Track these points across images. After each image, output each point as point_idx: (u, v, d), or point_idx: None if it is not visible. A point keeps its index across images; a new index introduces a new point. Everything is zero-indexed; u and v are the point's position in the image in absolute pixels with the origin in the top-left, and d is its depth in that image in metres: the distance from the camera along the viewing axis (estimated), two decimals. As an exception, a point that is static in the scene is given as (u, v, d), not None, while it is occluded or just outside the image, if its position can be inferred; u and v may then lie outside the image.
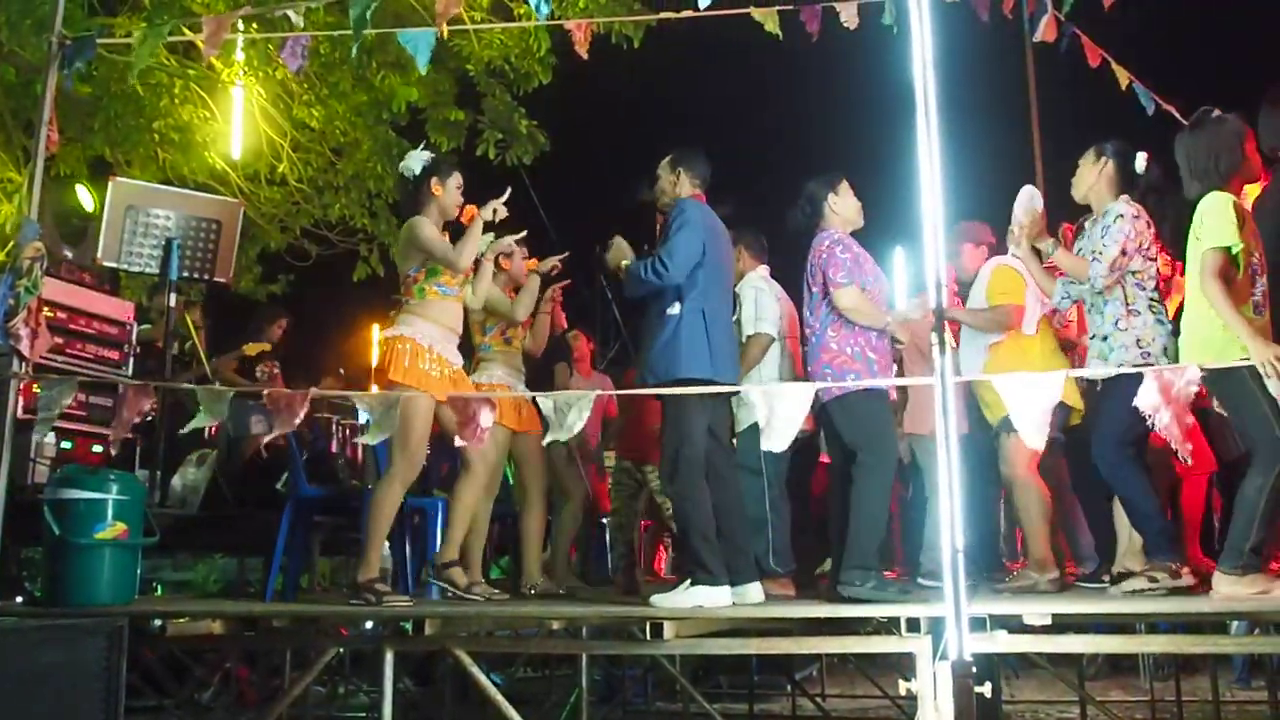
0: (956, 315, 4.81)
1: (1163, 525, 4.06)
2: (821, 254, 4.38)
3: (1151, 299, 4.14)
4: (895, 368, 4.74)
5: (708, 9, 4.33)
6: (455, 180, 4.47)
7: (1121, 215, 4.18)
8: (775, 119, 15.18)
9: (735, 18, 4.92)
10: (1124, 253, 4.12)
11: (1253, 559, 3.63)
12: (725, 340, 4.29)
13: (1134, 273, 4.15)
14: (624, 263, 4.37)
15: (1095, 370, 4.13)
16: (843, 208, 4.47)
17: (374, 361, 6.20)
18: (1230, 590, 3.62)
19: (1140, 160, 4.30)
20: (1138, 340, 4.08)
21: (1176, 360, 3.91)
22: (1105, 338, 4.17)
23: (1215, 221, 3.77)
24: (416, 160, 4.46)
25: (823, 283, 4.36)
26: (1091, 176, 4.36)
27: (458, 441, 4.17)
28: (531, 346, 5.30)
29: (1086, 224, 4.46)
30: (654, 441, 5.62)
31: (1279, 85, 4.24)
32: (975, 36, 4.93)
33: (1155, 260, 4.18)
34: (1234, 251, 3.73)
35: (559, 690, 7.05)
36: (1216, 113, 4.00)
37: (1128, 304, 4.13)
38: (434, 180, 4.41)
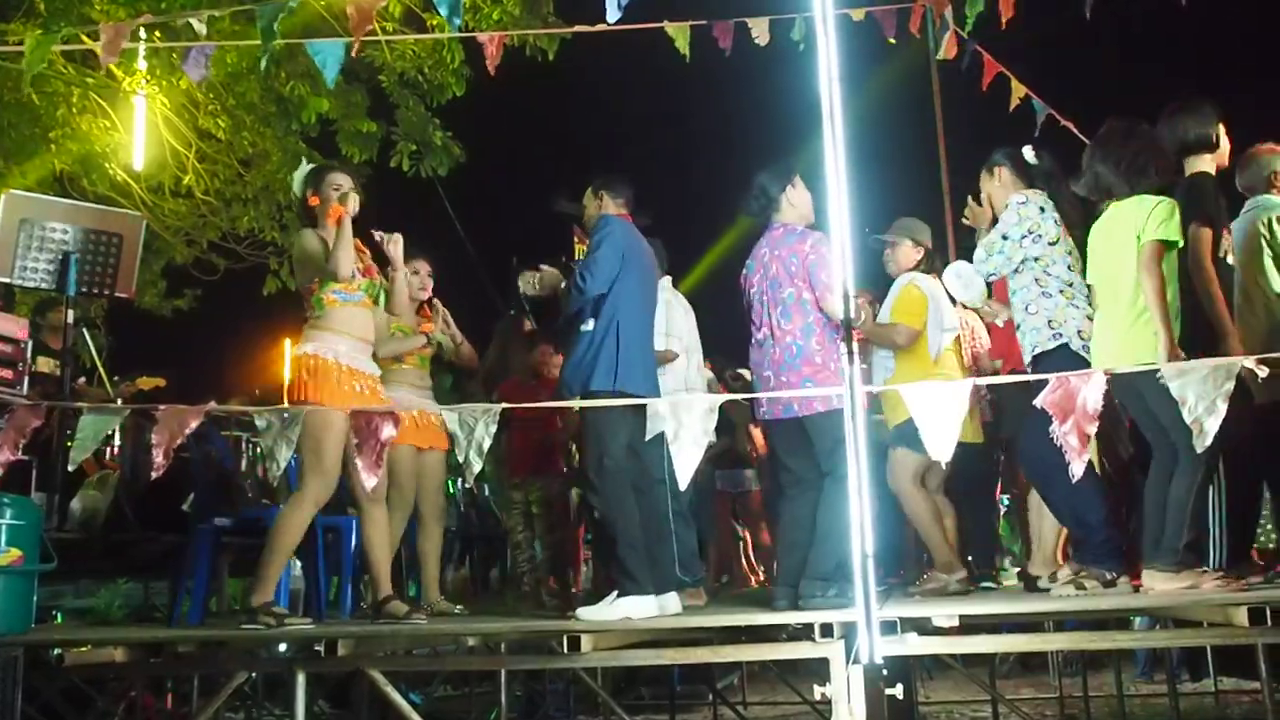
0: (863, 327, 4.70)
1: (1107, 535, 3.97)
2: (806, 253, 4.11)
3: (1065, 283, 4.10)
4: None
5: (620, 23, 4.35)
6: (332, 181, 4.30)
7: (1008, 205, 4.24)
8: (691, 131, 15.33)
9: (649, 32, 4.96)
10: (1005, 237, 4.16)
11: (1187, 556, 3.70)
12: (639, 353, 4.29)
13: (1035, 259, 4.13)
14: (562, 283, 4.39)
15: (1006, 378, 4.20)
16: (799, 200, 4.26)
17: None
18: (1165, 587, 3.68)
19: (1028, 153, 4.38)
20: (1049, 321, 4.08)
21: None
22: (1019, 325, 4.21)
23: (1164, 216, 3.84)
24: (297, 178, 4.43)
25: (808, 284, 4.09)
26: (993, 189, 4.45)
27: (361, 466, 3.91)
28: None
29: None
30: (538, 457, 5.64)
31: (1180, 99, 4.32)
32: (884, 53, 5.06)
33: (1058, 244, 4.14)
34: (1174, 250, 3.85)
35: (479, 707, 6.96)
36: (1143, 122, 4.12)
37: (1040, 288, 4.12)
38: (309, 192, 4.34)
